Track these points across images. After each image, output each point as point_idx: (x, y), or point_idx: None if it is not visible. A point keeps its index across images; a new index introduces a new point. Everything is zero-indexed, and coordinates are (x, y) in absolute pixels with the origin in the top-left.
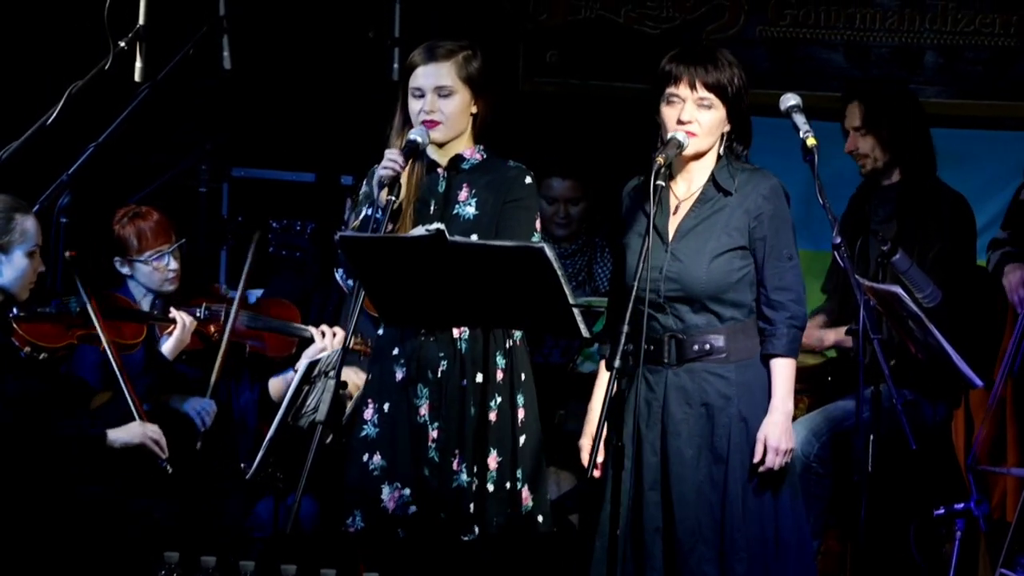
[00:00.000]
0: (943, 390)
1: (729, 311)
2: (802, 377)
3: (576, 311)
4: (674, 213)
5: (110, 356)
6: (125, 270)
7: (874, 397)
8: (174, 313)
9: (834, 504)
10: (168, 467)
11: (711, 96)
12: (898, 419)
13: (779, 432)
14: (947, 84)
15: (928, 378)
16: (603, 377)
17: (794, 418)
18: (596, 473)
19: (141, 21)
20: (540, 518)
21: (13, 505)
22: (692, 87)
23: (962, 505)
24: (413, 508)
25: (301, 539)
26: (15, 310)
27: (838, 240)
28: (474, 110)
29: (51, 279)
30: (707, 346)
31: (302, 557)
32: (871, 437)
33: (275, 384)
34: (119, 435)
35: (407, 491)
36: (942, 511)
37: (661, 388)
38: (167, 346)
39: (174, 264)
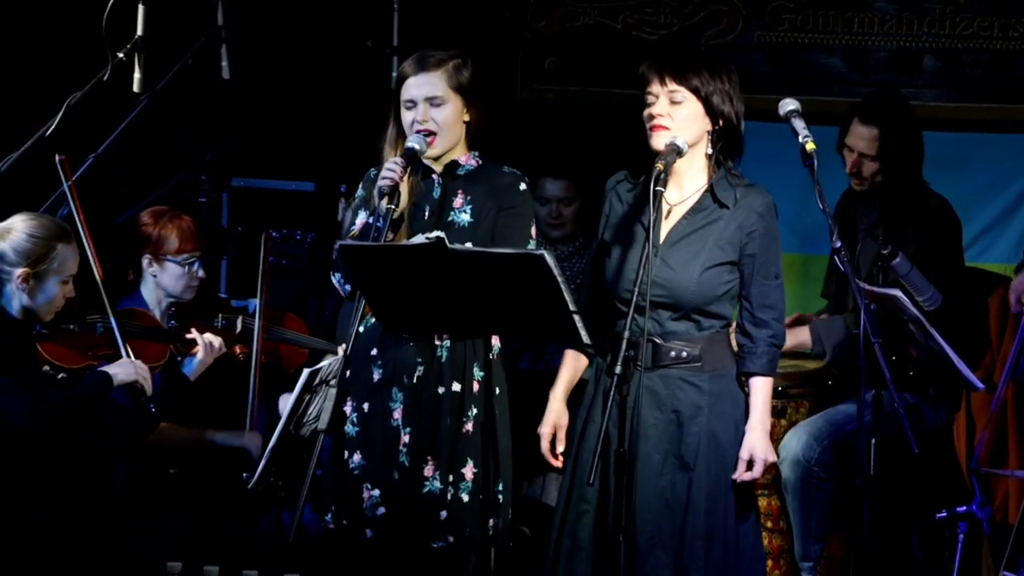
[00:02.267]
0: (944, 393)
1: (708, 321)
2: (803, 381)
3: (577, 318)
4: (666, 218)
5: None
6: (153, 269)
7: (875, 401)
8: (198, 335)
9: (836, 508)
10: (153, 407)
11: (681, 89)
12: (900, 423)
13: (764, 446)
14: (946, 87)
15: (929, 381)
16: (567, 360)
17: (795, 423)
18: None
19: (139, 32)
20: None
21: (16, 512)
22: (662, 82)
23: (964, 508)
24: (382, 510)
25: (304, 548)
26: (38, 327)
27: (838, 244)
28: (466, 118)
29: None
30: (684, 353)
31: (305, 566)
32: (872, 441)
33: (285, 401)
34: (116, 371)
35: (376, 492)
36: (944, 514)
37: (633, 390)
38: (191, 368)
39: (201, 272)
